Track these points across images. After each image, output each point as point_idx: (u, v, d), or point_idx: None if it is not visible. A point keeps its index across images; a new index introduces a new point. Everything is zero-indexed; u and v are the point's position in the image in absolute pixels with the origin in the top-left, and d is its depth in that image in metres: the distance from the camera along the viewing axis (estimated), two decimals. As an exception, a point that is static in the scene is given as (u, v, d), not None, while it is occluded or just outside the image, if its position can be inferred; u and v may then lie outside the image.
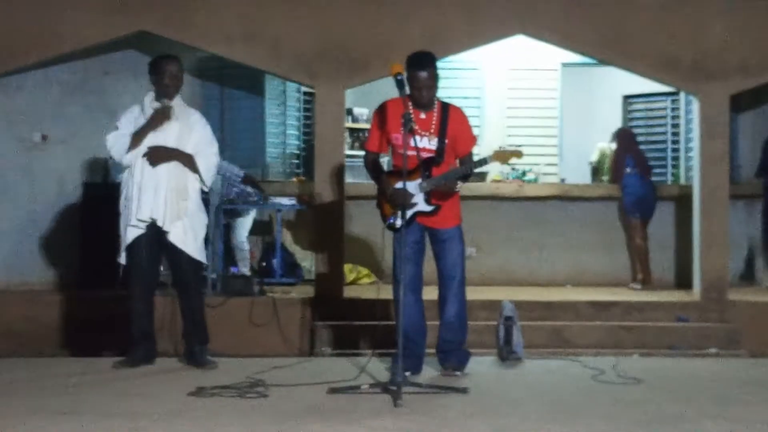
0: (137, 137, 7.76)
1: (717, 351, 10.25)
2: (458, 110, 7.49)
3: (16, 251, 11.95)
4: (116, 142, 7.82)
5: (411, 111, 7.12)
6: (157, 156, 7.73)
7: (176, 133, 7.86)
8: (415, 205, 7.28)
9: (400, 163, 7.16)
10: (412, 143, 6.91)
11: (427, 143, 7.29)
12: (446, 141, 7.33)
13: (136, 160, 7.76)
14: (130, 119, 7.91)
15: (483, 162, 7.52)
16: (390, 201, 7.30)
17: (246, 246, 12.30)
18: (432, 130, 7.32)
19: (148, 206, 7.73)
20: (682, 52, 11.23)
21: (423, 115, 7.31)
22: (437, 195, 7.35)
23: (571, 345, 10.25)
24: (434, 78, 7.28)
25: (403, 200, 7.09)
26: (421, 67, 7.23)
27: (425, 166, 7.26)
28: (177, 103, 7.96)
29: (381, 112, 7.43)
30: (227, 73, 12.92)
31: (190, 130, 7.93)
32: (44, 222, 12.10)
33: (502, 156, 7.53)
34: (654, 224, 12.60)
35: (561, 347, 10.11)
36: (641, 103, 14.31)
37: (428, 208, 7.34)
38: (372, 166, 7.56)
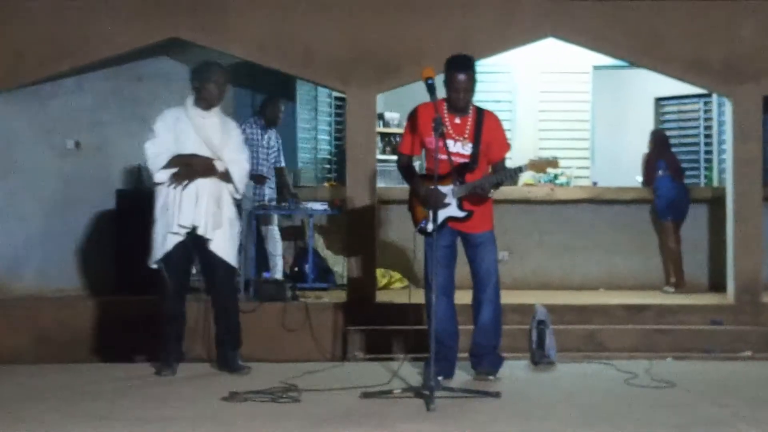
0: (174, 164, 7.82)
1: (751, 354, 10.19)
2: (493, 116, 7.50)
3: (49, 257, 11.99)
4: (155, 157, 7.83)
5: (446, 115, 7.22)
6: (186, 175, 7.80)
7: (218, 139, 7.93)
8: (447, 208, 7.29)
9: (433, 166, 7.16)
10: (447, 148, 6.96)
11: (461, 148, 7.31)
12: (480, 146, 7.34)
13: (168, 178, 7.83)
14: (168, 124, 7.90)
15: (518, 170, 7.52)
16: (423, 202, 7.30)
17: (279, 250, 12.28)
18: (467, 135, 7.34)
19: (190, 213, 7.77)
20: (714, 53, 11.17)
21: (458, 120, 7.34)
22: (470, 200, 7.35)
23: (605, 349, 10.20)
24: (472, 81, 7.30)
25: (436, 202, 7.10)
26: (460, 68, 7.27)
27: (459, 172, 7.27)
28: (216, 112, 8.01)
29: (414, 116, 7.44)
30: (259, 78, 12.95)
31: (228, 138, 8.01)
32: (77, 228, 12.14)
33: (538, 165, 7.57)
34: (687, 227, 12.54)
35: (594, 351, 10.06)
36: (673, 106, 14.28)
37: (461, 214, 7.35)
38: (405, 168, 7.57)
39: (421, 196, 7.30)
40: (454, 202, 7.31)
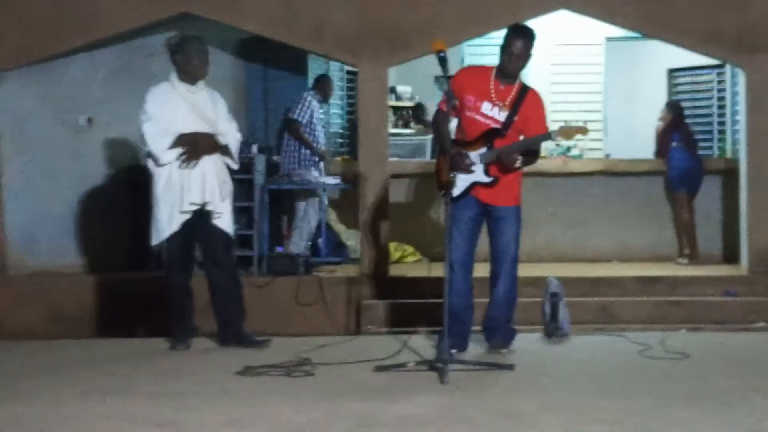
0: (180, 143, 7.77)
1: (765, 325, 10.17)
2: (537, 95, 7.50)
3: (62, 233, 12.03)
4: (158, 138, 7.76)
5: (493, 80, 7.37)
6: (194, 154, 7.77)
7: (211, 112, 7.92)
8: (473, 173, 7.26)
9: (462, 134, 7.14)
10: (484, 110, 7.25)
11: (497, 113, 7.31)
12: (516, 118, 7.31)
13: (175, 157, 7.79)
14: (160, 102, 7.83)
15: (547, 137, 7.49)
16: (450, 162, 7.16)
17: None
18: (506, 103, 7.32)
19: (199, 191, 7.76)
20: (728, 24, 11.10)
21: (502, 86, 7.36)
22: (497, 167, 7.32)
23: (618, 321, 10.19)
24: (527, 51, 7.42)
25: (461, 165, 7.08)
26: (519, 34, 7.43)
27: (488, 137, 7.26)
28: (202, 85, 7.97)
29: (460, 75, 7.45)
30: (270, 53, 12.91)
31: (218, 110, 8.03)
32: (91, 205, 12.16)
33: (567, 132, 7.54)
34: (700, 198, 12.48)
35: (607, 323, 10.05)
36: (686, 77, 14.21)
37: (486, 179, 7.31)
38: (440, 125, 7.46)
39: (450, 156, 7.18)
40: (480, 167, 7.28)
